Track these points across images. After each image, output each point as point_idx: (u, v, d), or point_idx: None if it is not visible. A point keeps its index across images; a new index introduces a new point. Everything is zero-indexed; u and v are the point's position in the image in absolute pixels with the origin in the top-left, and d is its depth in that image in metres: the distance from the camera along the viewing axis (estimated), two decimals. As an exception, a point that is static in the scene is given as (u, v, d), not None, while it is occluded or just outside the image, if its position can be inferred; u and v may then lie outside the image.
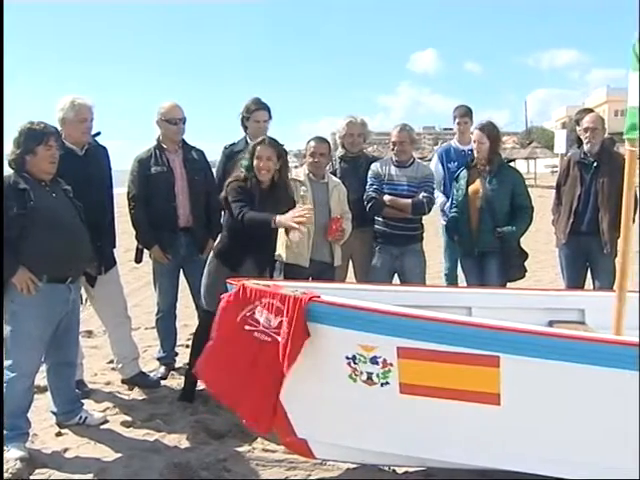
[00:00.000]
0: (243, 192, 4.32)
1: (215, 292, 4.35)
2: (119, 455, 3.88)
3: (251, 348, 3.26)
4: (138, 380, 5.06)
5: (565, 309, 4.18)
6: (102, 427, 4.30)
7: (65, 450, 3.96)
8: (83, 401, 4.49)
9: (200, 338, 4.67)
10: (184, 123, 5.13)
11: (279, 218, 4.02)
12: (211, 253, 4.66)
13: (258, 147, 4.38)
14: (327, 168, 5.30)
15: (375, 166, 5.35)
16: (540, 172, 40.05)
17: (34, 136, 3.87)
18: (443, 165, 6.25)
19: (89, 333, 6.37)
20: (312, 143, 4.98)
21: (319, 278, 4.71)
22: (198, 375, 3.74)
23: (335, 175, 5.34)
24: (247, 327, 3.28)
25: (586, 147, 5.29)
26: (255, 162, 4.36)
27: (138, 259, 5.31)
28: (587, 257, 5.35)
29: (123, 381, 5.10)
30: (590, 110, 6.06)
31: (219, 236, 4.71)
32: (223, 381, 3.45)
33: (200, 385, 4.65)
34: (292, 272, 4.79)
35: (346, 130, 5.45)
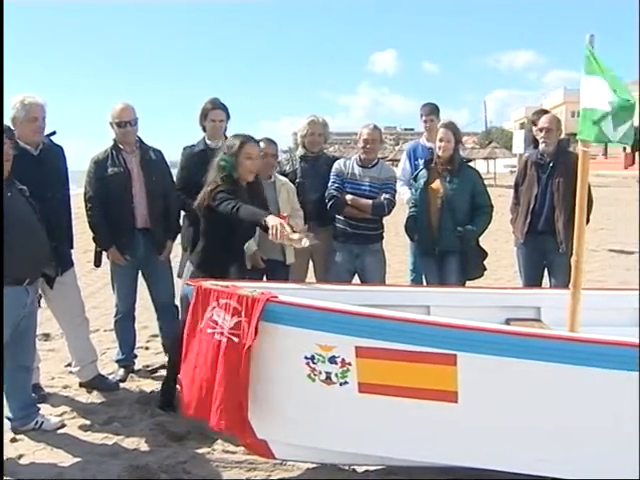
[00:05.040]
0: (230, 193, 4.11)
1: None
2: (76, 460, 3.82)
3: (212, 350, 3.23)
4: (96, 383, 4.99)
5: (522, 307, 4.25)
6: (59, 432, 4.23)
7: (20, 456, 3.88)
8: (40, 405, 4.41)
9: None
10: (135, 124, 5.05)
11: (269, 219, 3.78)
12: (188, 266, 4.49)
13: (246, 145, 4.23)
14: (287, 167, 5.35)
15: (339, 164, 5.37)
16: (499, 172, 40.67)
17: None
18: (411, 162, 6.32)
19: (46, 336, 6.25)
20: (261, 144, 4.90)
21: (272, 277, 4.70)
22: (189, 415, 3.48)
23: (296, 174, 5.38)
24: (209, 330, 3.26)
25: (541, 147, 5.37)
26: (248, 162, 4.22)
27: (97, 262, 5.23)
28: (544, 256, 5.43)
29: (81, 384, 5.02)
30: (546, 111, 6.16)
31: (197, 248, 4.45)
32: (196, 395, 3.33)
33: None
34: None
35: (308, 129, 5.47)
